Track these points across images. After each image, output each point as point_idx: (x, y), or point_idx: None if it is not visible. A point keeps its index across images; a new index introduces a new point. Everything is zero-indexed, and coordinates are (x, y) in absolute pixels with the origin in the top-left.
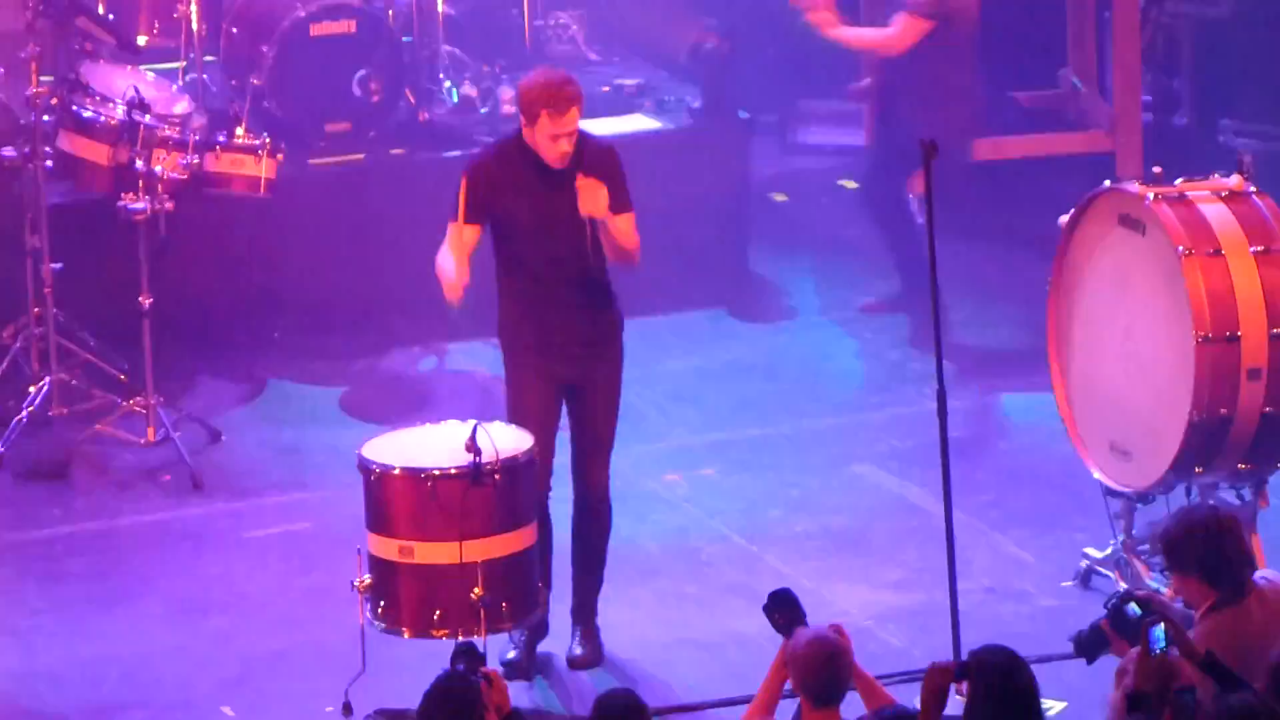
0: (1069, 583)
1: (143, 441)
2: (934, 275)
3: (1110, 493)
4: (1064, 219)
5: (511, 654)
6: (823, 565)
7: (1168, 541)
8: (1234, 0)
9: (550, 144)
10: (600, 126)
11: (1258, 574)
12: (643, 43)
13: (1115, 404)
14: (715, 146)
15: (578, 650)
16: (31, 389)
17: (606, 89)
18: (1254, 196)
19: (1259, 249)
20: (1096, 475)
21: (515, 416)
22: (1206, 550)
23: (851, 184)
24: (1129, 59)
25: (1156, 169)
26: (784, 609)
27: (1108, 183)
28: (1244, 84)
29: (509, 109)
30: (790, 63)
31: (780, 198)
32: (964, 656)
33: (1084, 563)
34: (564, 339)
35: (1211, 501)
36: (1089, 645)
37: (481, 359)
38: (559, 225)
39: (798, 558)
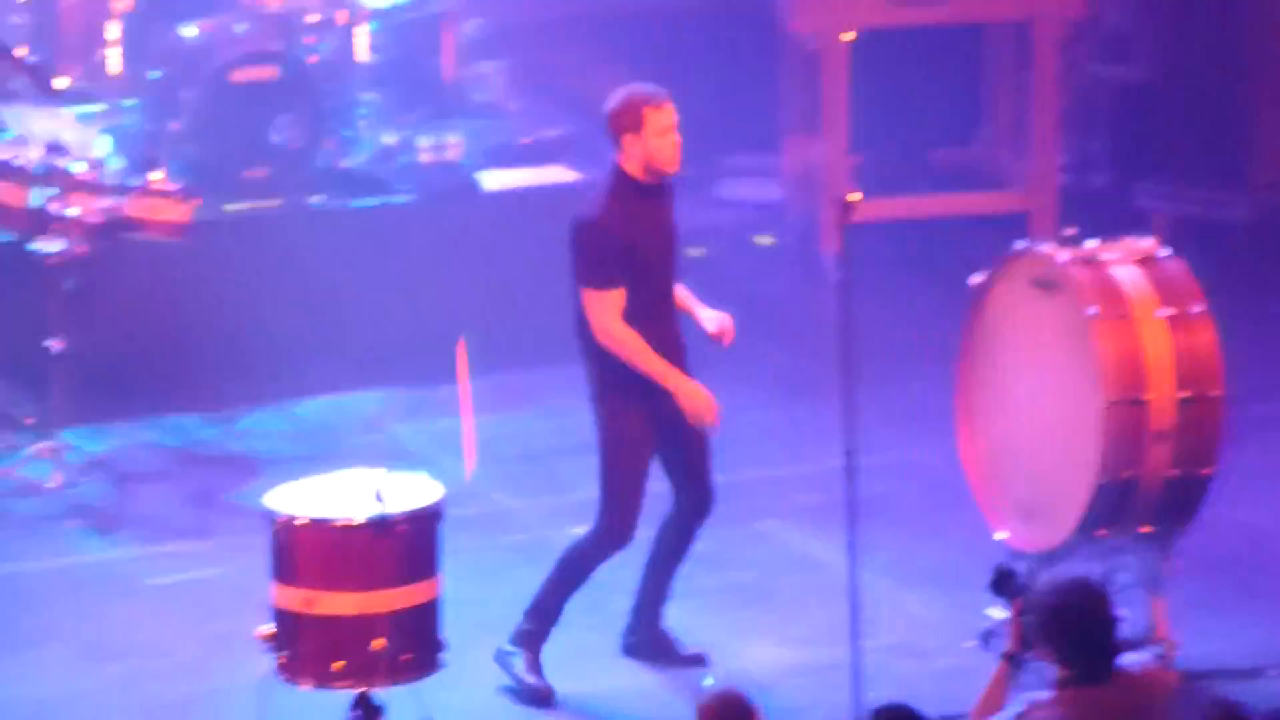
0: (971, 643)
1: (49, 485)
2: (847, 333)
3: (1014, 554)
4: (977, 279)
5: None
6: (728, 621)
7: (1036, 611)
8: (1151, 63)
9: (662, 139)
10: (521, 177)
11: (1136, 657)
12: (564, 94)
13: (1022, 465)
14: None
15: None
16: None
17: (528, 140)
18: (1166, 259)
19: (1170, 312)
20: (1001, 536)
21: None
22: (1070, 630)
23: (768, 240)
24: (1046, 119)
25: (1070, 230)
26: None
27: (1022, 243)
28: (1161, 146)
29: (428, 157)
30: (711, 117)
31: (698, 252)
32: (865, 715)
33: (986, 623)
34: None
35: (1086, 576)
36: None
37: (393, 406)
38: (670, 243)
39: (704, 613)
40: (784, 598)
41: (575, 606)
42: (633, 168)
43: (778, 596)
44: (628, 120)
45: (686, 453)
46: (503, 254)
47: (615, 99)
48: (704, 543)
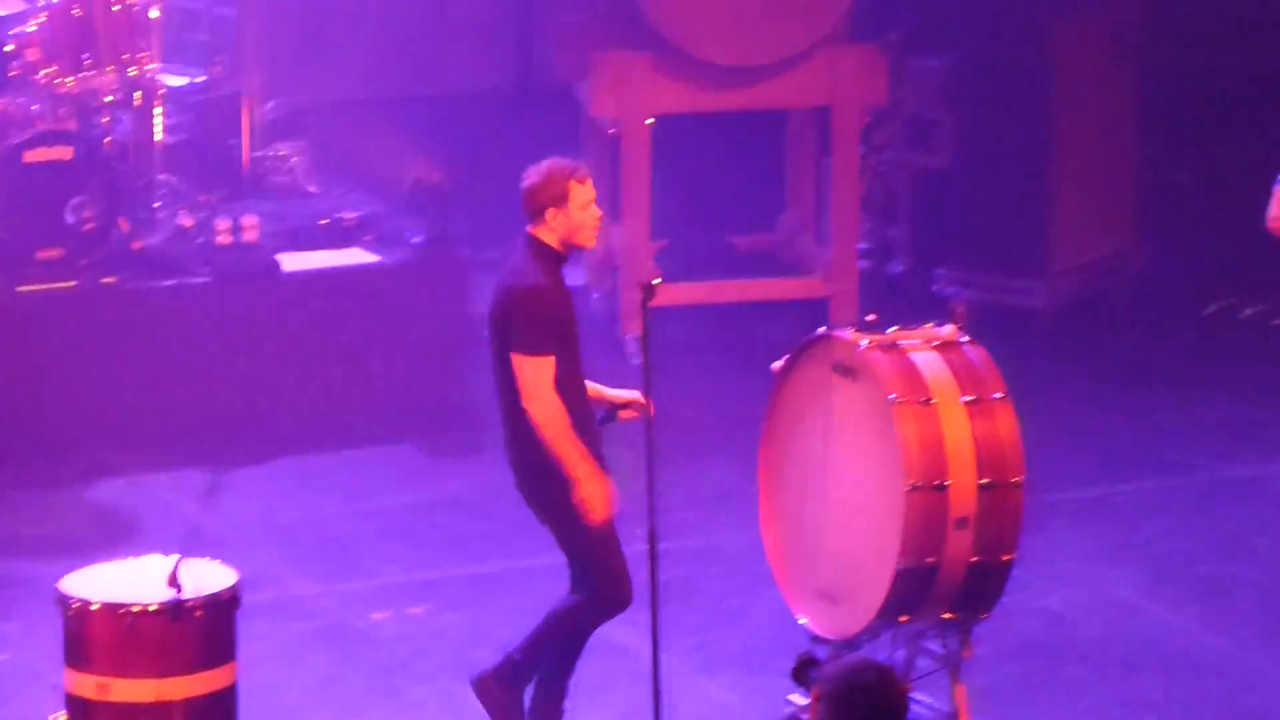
0: None
1: None
2: (650, 415)
3: (816, 639)
4: (778, 364)
5: None
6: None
7: (825, 691)
8: (951, 150)
9: (585, 213)
10: (319, 259)
11: None
12: (363, 177)
13: (824, 550)
14: (435, 281)
15: None
16: None
17: (326, 221)
18: (966, 346)
19: (970, 399)
20: (803, 621)
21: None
22: (860, 711)
23: None
24: (846, 206)
25: (871, 316)
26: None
27: (822, 329)
28: (960, 233)
29: (224, 239)
30: (511, 200)
31: None
32: None
33: (788, 708)
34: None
35: (873, 659)
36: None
37: (187, 490)
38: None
39: None
40: (586, 683)
41: None
42: (551, 240)
43: (580, 681)
44: (553, 193)
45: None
46: (303, 335)
47: (538, 172)
48: (506, 628)
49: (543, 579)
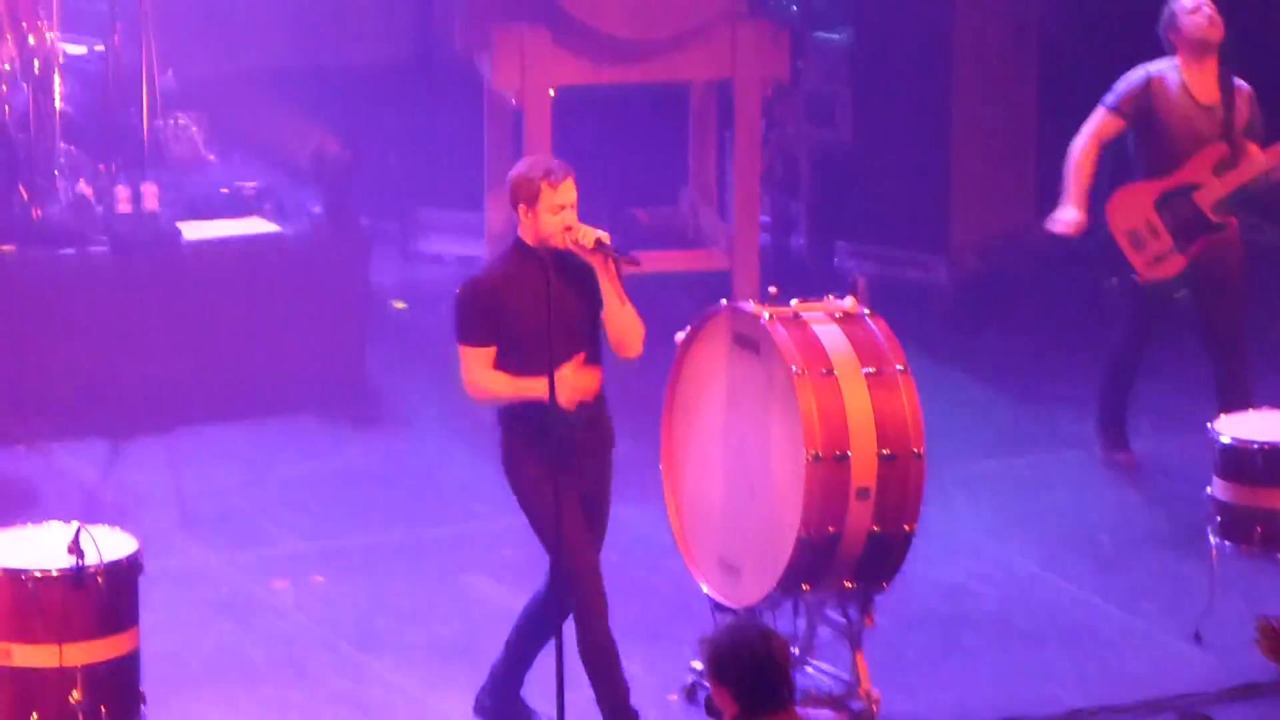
0: (674, 696)
1: None
2: (551, 385)
3: (718, 607)
4: (680, 336)
5: None
6: (431, 675)
7: (714, 652)
8: (852, 125)
9: (553, 216)
10: (218, 228)
11: (816, 710)
12: (263, 146)
13: (726, 520)
14: (335, 252)
15: None
16: None
17: (226, 191)
18: (867, 318)
19: (870, 370)
20: (705, 590)
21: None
22: (749, 672)
23: (401, 305)
24: (748, 179)
25: (772, 289)
26: None
27: (724, 301)
28: (860, 207)
29: (125, 208)
30: (412, 171)
31: (400, 305)
32: None
33: (690, 677)
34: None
35: (757, 620)
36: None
37: (87, 458)
38: (562, 313)
39: (406, 667)
40: (488, 651)
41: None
42: (526, 235)
43: (482, 650)
44: (525, 192)
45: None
46: (203, 304)
47: (517, 168)
48: (407, 597)
49: (442, 548)
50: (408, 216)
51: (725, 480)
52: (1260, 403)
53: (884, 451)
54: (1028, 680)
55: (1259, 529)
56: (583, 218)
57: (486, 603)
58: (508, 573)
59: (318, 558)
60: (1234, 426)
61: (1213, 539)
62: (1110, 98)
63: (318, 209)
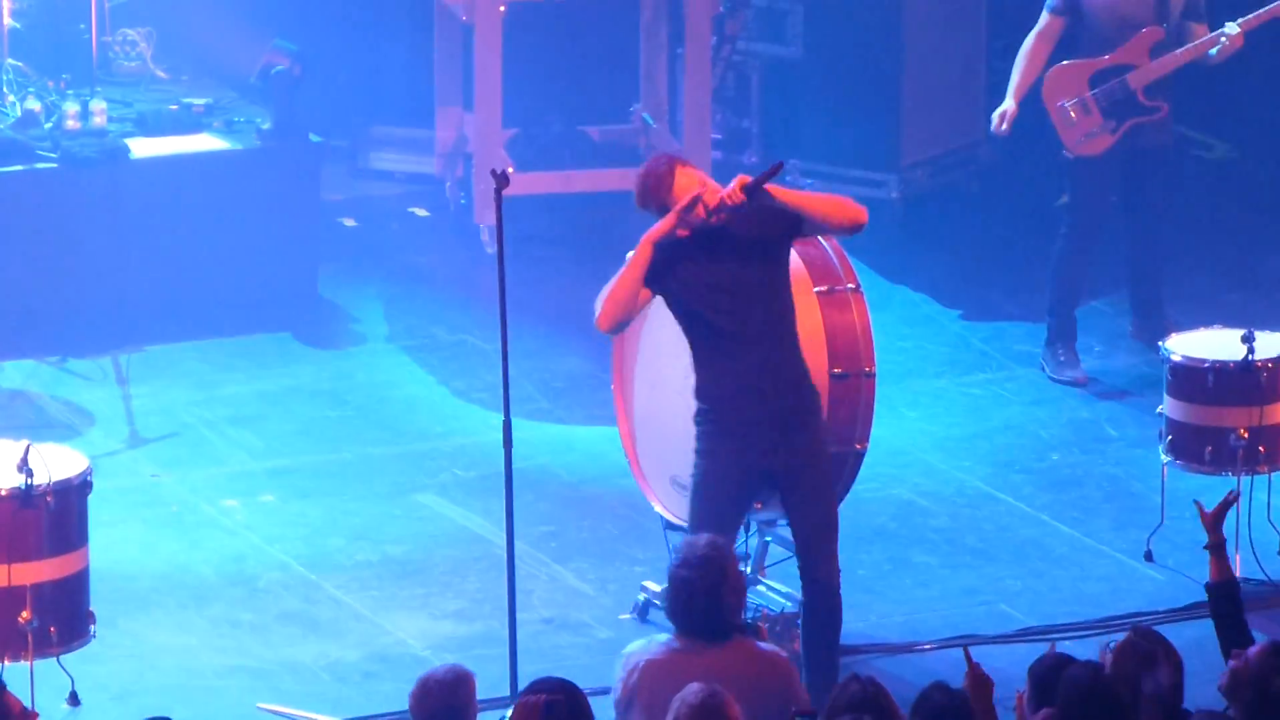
0: (627, 615)
1: None
2: (503, 305)
3: (670, 526)
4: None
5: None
6: (383, 594)
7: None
8: (803, 41)
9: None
10: (167, 145)
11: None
12: (212, 62)
13: (676, 438)
14: (285, 169)
15: None
16: None
17: (174, 107)
18: (819, 238)
19: (822, 289)
20: (657, 509)
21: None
22: (683, 592)
23: (422, 212)
24: (699, 96)
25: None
26: None
27: None
28: (812, 124)
29: (74, 124)
30: (362, 88)
31: (350, 223)
32: (520, 687)
33: (642, 595)
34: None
35: (712, 543)
36: None
37: (36, 376)
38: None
39: (357, 586)
40: (439, 570)
41: None
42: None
43: (433, 569)
44: (655, 193)
45: (800, 527)
46: (152, 222)
47: (636, 182)
48: (358, 516)
49: (393, 467)
50: (358, 133)
51: (675, 398)
52: (1171, 295)
53: (835, 370)
54: (978, 598)
55: (1209, 448)
56: (532, 134)
57: (437, 522)
58: (459, 492)
59: (268, 476)
60: (1184, 345)
61: (1163, 458)
62: None
63: (267, 125)
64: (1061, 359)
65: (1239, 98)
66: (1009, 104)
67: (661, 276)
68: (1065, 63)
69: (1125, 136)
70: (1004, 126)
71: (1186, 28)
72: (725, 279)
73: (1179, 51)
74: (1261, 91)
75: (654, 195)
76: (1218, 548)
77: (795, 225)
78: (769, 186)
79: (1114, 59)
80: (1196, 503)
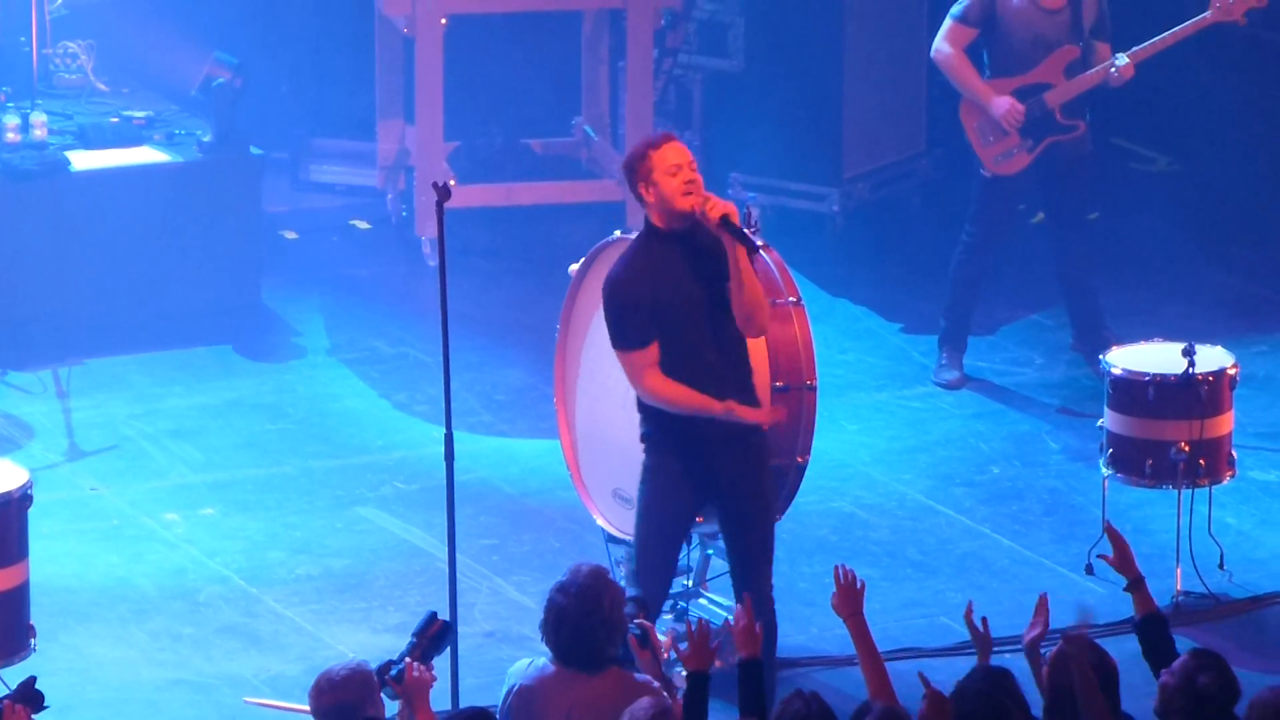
0: None
1: None
2: (445, 317)
3: (612, 539)
4: (574, 267)
5: None
6: (323, 608)
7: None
8: (745, 54)
9: (672, 177)
10: (108, 157)
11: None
12: (153, 74)
13: (619, 451)
14: (226, 181)
15: None
16: None
17: (115, 120)
18: (761, 251)
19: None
20: (600, 522)
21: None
22: (559, 619)
23: (364, 224)
24: (641, 109)
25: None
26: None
27: (618, 232)
28: (754, 137)
29: (14, 137)
30: (304, 100)
31: (291, 235)
32: (463, 702)
33: None
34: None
35: (597, 571)
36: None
37: None
38: (708, 290)
39: (298, 600)
40: (381, 584)
41: None
42: (655, 217)
43: (374, 583)
44: (637, 170)
45: (739, 542)
46: (93, 234)
47: (623, 159)
48: (299, 529)
49: (334, 480)
50: (299, 145)
51: (618, 411)
52: (1112, 308)
53: (777, 383)
54: (919, 611)
55: (1150, 461)
56: (474, 147)
57: (378, 535)
58: (400, 505)
59: (208, 490)
60: (1125, 358)
61: (1104, 471)
62: (957, 8)
63: (208, 138)
64: (943, 362)
65: (1179, 111)
66: (1006, 98)
67: (653, 323)
68: (985, 81)
69: (1042, 154)
70: (1016, 119)
71: (1092, 46)
72: (679, 298)
73: (1089, 73)
74: (1202, 105)
75: (634, 172)
76: (1137, 584)
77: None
78: (741, 248)
79: (1031, 78)
80: (1107, 525)
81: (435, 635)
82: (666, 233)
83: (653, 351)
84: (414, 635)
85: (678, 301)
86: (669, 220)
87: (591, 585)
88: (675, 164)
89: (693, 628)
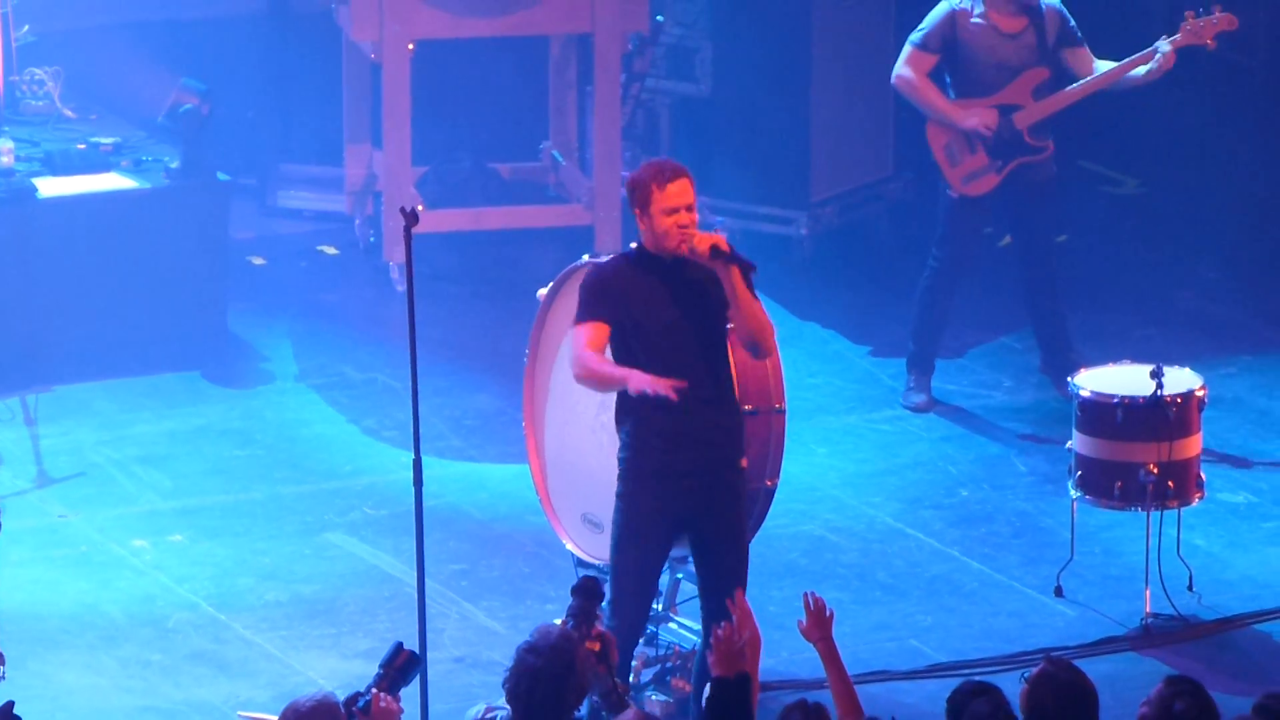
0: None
1: None
2: (413, 342)
3: (581, 564)
4: (543, 291)
5: None
6: (292, 634)
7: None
8: (713, 79)
9: (666, 219)
10: (75, 184)
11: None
12: (120, 101)
13: (588, 476)
14: (193, 207)
15: None
16: None
17: (82, 146)
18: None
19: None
20: (569, 547)
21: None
22: (522, 686)
23: (331, 250)
24: (609, 134)
25: (634, 244)
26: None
27: (586, 257)
28: (722, 162)
29: None
30: (271, 126)
31: (259, 261)
32: None
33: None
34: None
35: (562, 636)
36: None
37: None
38: (691, 321)
39: (266, 626)
40: (350, 610)
41: None
42: (646, 241)
43: (343, 609)
44: (637, 196)
45: (709, 569)
46: (60, 261)
47: (633, 172)
48: (267, 556)
49: (303, 506)
50: (266, 171)
51: (587, 435)
52: (1080, 330)
53: (746, 407)
54: (889, 634)
55: (1119, 483)
56: (442, 172)
57: (347, 561)
58: (369, 530)
59: (177, 516)
60: (1094, 380)
61: (1073, 493)
62: (917, 35)
63: (175, 164)
64: (911, 385)
65: (1147, 134)
66: (979, 112)
67: (617, 315)
68: (953, 102)
69: (1010, 176)
70: (991, 123)
71: (1065, 59)
72: (658, 320)
73: (1077, 86)
74: (1170, 127)
75: (633, 194)
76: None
77: (725, 306)
78: (737, 273)
79: (999, 99)
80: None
81: (402, 666)
82: (655, 255)
83: (601, 329)
84: (381, 666)
85: (656, 324)
86: (657, 249)
87: (565, 647)
88: (674, 206)
89: (720, 633)
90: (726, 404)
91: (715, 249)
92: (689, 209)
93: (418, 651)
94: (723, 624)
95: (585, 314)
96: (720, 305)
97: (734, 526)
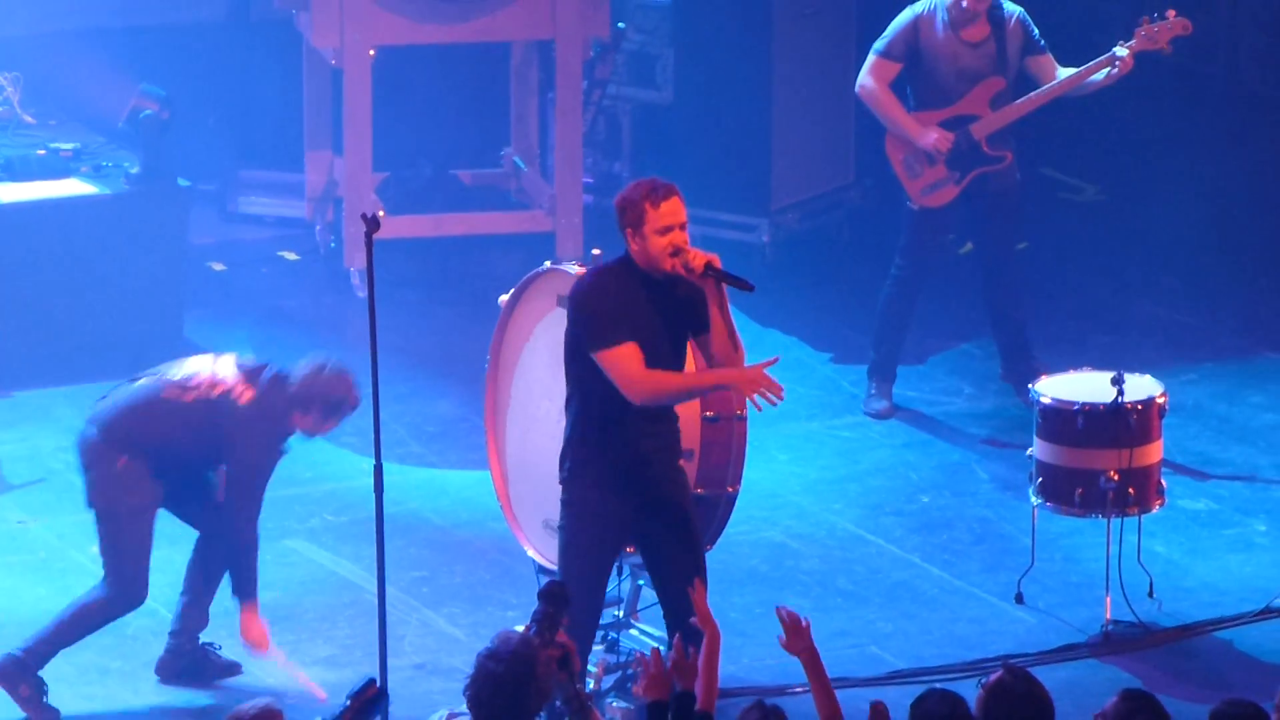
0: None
1: None
2: (374, 348)
3: (542, 570)
4: (504, 298)
5: None
6: None
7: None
8: (674, 85)
9: (658, 239)
10: (34, 190)
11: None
12: (80, 107)
13: (549, 481)
14: (153, 213)
15: None
16: None
17: (42, 152)
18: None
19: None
20: (530, 553)
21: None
22: (485, 692)
23: (292, 255)
24: (570, 140)
25: (596, 250)
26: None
27: (548, 263)
28: (683, 168)
29: None
30: (231, 131)
31: (218, 267)
32: None
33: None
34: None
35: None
36: None
37: None
38: (676, 338)
39: (226, 633)
40: (309, 616)
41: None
42: (635, 257)
43: (303, 615)
44: (629, 215)
45: (668, 581)
46: (20, 267)
47: (622, 191)
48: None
49: (266, 514)
50: (227, 177)
51: (548, 442)
52: (1041, 338)
53: (707, 414)
54: (849, 641)
55: (1079, 490)
56: (403, 178)
57: (307, 567)
58: (329, 537)
59: None
60: (1054, 387)
61: (1033, 500)
62: (880, 43)
63: (135, 170)
64: (873, 391)
65: (1107, 141)
66: (933, 130)
67: (636, 334)
68: (910, 114)
69: (970, 185)
70: (945, 146)
71: (1029, 67)
72: (653, 342)
73: (1034, 94)
74: (1130, 134)
75: (623, 215)
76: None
77: (703, 326)
78: (721, 290)
79: (956, 109)
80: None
81: (369, 700)
82: (644, 270)
83: (636, 350)
84: (348, 697)
85: (647, 340)
86: (648, 268)
87: (525, 654)
88: (668, 225)
89: (646, 657)
90: (668, 410)
91: (709, 267)
92: (682, 227)
93: (386, 691)
94: (657, 648)
95: (611, 338)
96: (700, 326)
97: (682, 519)
